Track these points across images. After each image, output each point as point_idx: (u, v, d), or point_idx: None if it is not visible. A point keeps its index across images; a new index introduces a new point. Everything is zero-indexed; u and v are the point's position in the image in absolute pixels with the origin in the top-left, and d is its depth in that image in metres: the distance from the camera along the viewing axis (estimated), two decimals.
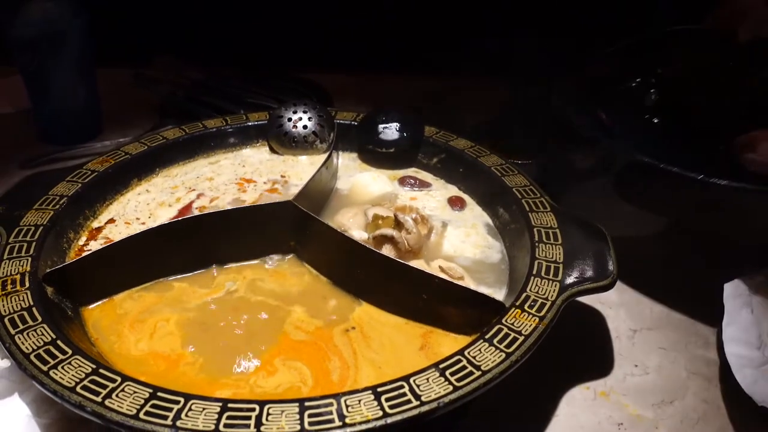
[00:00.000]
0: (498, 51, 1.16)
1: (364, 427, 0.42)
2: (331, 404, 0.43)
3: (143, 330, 0.57)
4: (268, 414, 0.43)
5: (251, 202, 0.77)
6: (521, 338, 0.50)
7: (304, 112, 0.87)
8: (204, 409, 0.43)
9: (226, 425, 0.42)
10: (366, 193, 0.78)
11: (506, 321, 0.52)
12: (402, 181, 0.82)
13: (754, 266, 0.68)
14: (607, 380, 0.62)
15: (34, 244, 0.60)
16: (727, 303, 0.65)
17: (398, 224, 0.67)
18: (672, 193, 0.74)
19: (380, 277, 0.59)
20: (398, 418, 0.43)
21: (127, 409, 0.43)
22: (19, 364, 0.47)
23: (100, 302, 0.60)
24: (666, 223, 0.86)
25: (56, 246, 0.63)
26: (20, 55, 0.96)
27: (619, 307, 0.71)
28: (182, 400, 0.44)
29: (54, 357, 0.47)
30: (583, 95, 0.86)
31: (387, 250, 0.64)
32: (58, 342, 0.49)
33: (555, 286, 0.56)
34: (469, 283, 0.62)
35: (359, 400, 0.44)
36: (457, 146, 0.81)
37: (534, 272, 0.58)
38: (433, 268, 0.63)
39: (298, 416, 0.43)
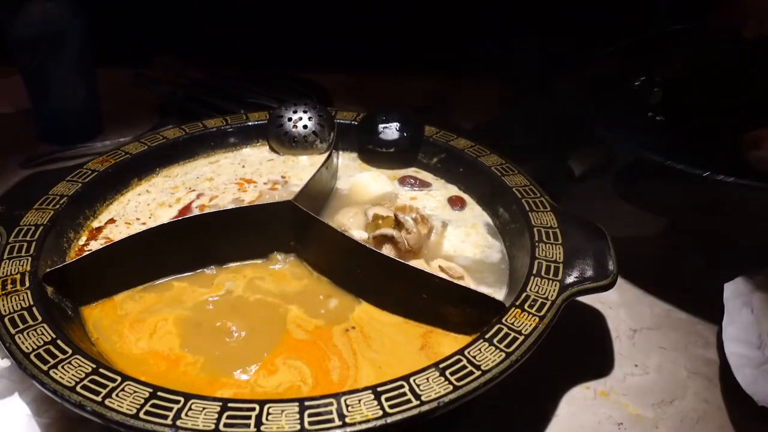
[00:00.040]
0: (498, 51, 1.16)
1: (364, 426, 0.42)
2: (331, 404, 0.43)
3: (143, 330, 0.57)
4: (268, 413, 0.43)
5: (251, 201, 0.77)
6: (521, 338, 0.50)
7: (305, 111, 0.87)
8: (204, 408, 0.43)
9: (226, 425, 0.42)
10: (366, 193, 0.78)
11: (506, 321, 0.52)
12: (402, 181, 0.82)
13: (755, 266, 0.68)
14: (607, 380, 0.62)
15: (34, 243, 0.60)
16: (727, 302, 0.65)
17: (398, 224, 0.67)
18: (677, 191, 0.74)
19: (380, 276, 0.59)
20: (398, 417, 0.43)
21: (127, 409, 0.43)
22: (19, 364, 0.47)
23: (100, 302, 0.60)
24: (666, 223, 0.86)
25: (56, 246, 0.63)
26: (20, 55, 0.96)
27: (619, 307, 0.71)
28: (182, 399, 0.44)
29: (54, 356, 0.47)
30: (586, 95, 0.86)
31: (387, 250, 0.64)
32: (58, 341, 0.49)
33: (555, 286, 0.56)
34: (469, 282, 0.62)
35: (359, 400, 0.44)
36: (457, 146, 0.81)
37: (534, 272, 0.58)
38: (433, 267, 0.63)
39: (298, 416, 0.43)
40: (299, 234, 0.66)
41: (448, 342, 0.56)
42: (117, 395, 0.44)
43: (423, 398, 0.44)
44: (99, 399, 0.43)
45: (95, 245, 0.67)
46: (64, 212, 0.66)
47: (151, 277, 0.62)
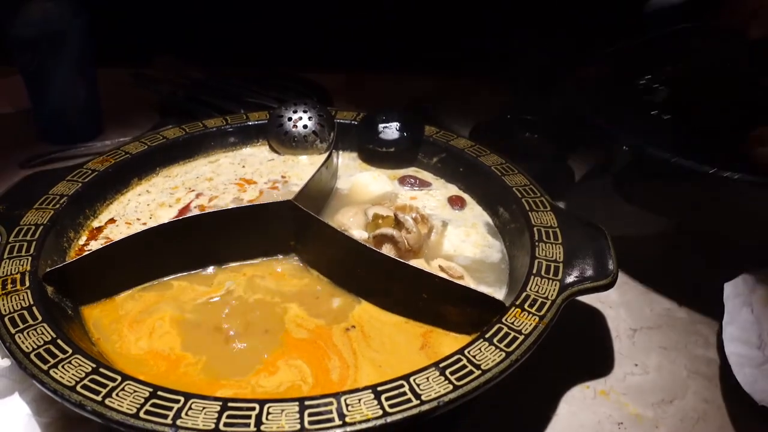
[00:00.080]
0: (498, 51, 1.16)
1: (364, 426, 0.42)
2: (331, 403, 0.43)
3: (143, 330, 0.57)
4: (268, 413, 0.43)
5: (251, 201, 0.77)
6: (521, 337, 0.50)
7: (305, 111, 0.87)
8: (204, 408, 0.43)
9: (226, 424, 0.42)
10: (366, 193, 0.78)
11: (506, 320, 0.52)
12: (402, 181, 0.82)
13: (755, 266, 0.68)
14: (607, 379, 0.62)
15: (34, 243, 0.60)
16: (727, 302, 0.65)
17: (398, 223, 0.67)
18: (683, 189, 0.74)
19: (380, 276, 0.59)
20: (398, 417, 0.43)
21: (128, 408, 0.43)
22: (20, 363, 0.47)
23: (100, 301, 0.60)
24: (666, 223, 0.86)
25: (56, 245, 0.63)
26: (20, 55, 0.96)
27: (620, 307, 0.71)
28: (182, 399, 0.44)
29: (54, 356, 0.47)
30: (590, 93, 0.86)
31: (387, 250, 0.64)
32: (58, 341, 0.49)
33: (555, 286, 0.56)
34: (469, 282, 0.62)
35: (359, 399, 0.44)
36: (457, 146, 0.81)
37: (534, 271, 0.58)
38: (433, 267, 0.63)
39: (298, 415, 0.43)
40: (299, 234, 0.66)
41: (448, 341, 0.56)
42: (117, 395, 0.44)
43: (423, 398, 0.44)
44: (99, 398, 0.43)
45: (95, 245, 0.67)
46: (64, 212, 0.66)
47: (151, 277, 0.62)
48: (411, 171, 0.84)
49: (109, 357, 0.53)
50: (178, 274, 0.64)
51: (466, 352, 0.48)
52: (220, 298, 0.61)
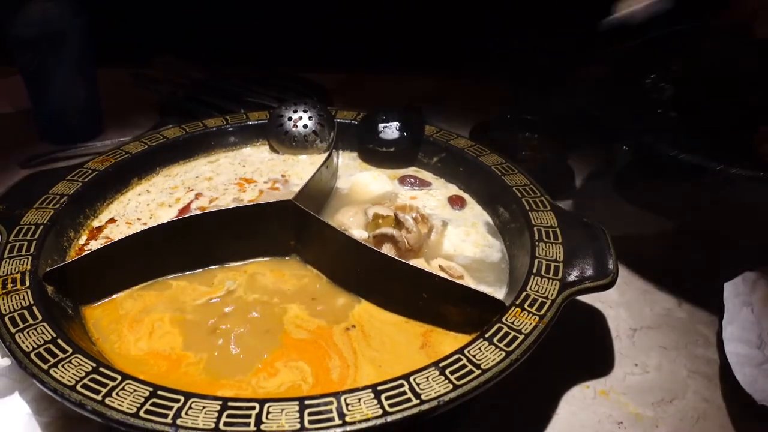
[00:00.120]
0: (498, 51, 1.16)
1: (363, 425, 0.42)
2: (331, 403, 0.43)
3: (143, 330, 0.57)
4: (268, 412, 0.43)
5: (251, 201, 0.77)
6: (521, 337, 0.50)
7: (305, 111, 0.87)
8: (204, 407, 0.43)
9: (226, 423, 0.42)
10: (366, 192, 0.78)
11: (506, 320, 0.52)
12: (402, 180, 0.82)
13: (755, 266, 0.68)
14: (607, 379, 0.62)
15: (34, 242, 0.60)
16: (727, 302, 0.65)
17: (398, 223, 0.67)
18: (689, 187, 0.74)
19: (380, 276, 0.59)
20: (398, 416, 0.43)
21: (128, 408, 0.43)
22: (20, 363, 0.47)
23: (100, 301, 0.60)
24: (666, 223, 0.86)
25: (56, 245, 0.63)
26: (20, 55, 0.96)
27: (619, 306, 0.71)
28: (182, 398, 0.44)
29: (54, 355, 0.47)
30: (597, 93, 0.87)
31: (387, 249, 0.64)
32: (59, 340, 0.49)
33: (555, 285, 0.56)
34: (469, 282, 0.62)
35: (359, 399, 0.44)
36: (457, 145, 0.81)
37: (534, 271, 0.58)
38: (433, 267, 0.63)
39: (298, 415, 0.43)
40: (299, 233, 0.66)
41: (448, 341, 0.56)
42: (117, 394, 0.44)
43: (423, 397, 0.44)
44: (99, 398, 0.43)
45: (95, 245, 0.67)
46: (64, 211, 0.66)
47: (151, 277, 0.63)
48: (411, 171, 0.84)
49: (108, 357, 0.53)
50: (178, 274, 0.64)
51: (466, 351, 0.48)
52: (220, 298, 0.61)
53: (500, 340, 0.50)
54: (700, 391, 0.61)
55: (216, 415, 0.42)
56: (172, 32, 1.30)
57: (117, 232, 0.70)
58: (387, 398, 0.44)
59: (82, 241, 0.68)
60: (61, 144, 1.00)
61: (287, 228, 0.65)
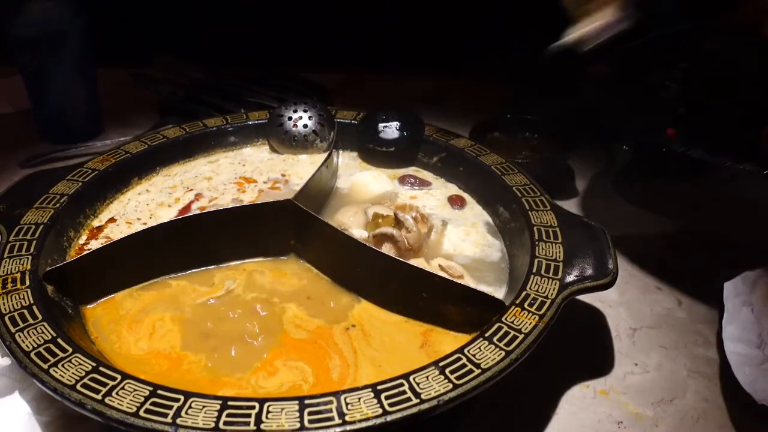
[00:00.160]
0: (498, 51, 1.16)
1: (363, 425, 0.42)
2: (330, 402, 0.43)
3: (143, 329, 0.57)
4: (267, 412, 0.43)
5: (250, 201, 0.77)
6: (521, 336, 0.50)
7: (305, 111, 0.87)
8: (204, 406, 0.43)
9: (226, 423, 0.42)
10: (366, 192, 0.78)
11: (506, 319, 0.52)
12: (402, 180, 0.82)
13: (754, 265, 0.68)
14: (607, 379, 0.62)
15: (34, 242, 0.60)
16: (727, 302, 0.65)
17: (398, 223, 0.67)
18: (684, 189, 0.74)
19: (380, 275, 0.59)
20: (398, 416, 0.43)
21: (127, 407, 0.43)
22: (20, 362, 0.47)
23: (100, 301, 0.60)
24: (666, 223, 0.86)
25: (56, 244, 0.63)
26: (20, 55, 0.96)
27: (619, 306, 0.71)
28: (182, 397, 0.44)
29: (54, 355, 0.47)
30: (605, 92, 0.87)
31: (387, 249, 0.64)
32: (59, 340, 0.49)
33: (555, 285, 0.56)
34: (468, 281, 0.62)
35: (359, 398, 0.44)
36: (457, 145, 0.81)
37: (534, 270, 0.58)
38: (433, 266, 0.63)
39: (297, 414, 0.42)
40: (299, 233, 0.66)
41: (448, 340, 0.56)
42: (117, 393, 0.44)
43: (423, 396, 0.44)
44: (99, 397, 0.43)
45: (95, 244, 0.67)
46: (64, 211, 0.66)
47: (151, 276, 0.62)
48: (411, 170, 0.84)
49: (109, 356, 0.53)
50: (178, 274, 0.64)
51: (465, 351, 0.48)
52: (220, 298, 0.61)
53: (500, 340, 0.50)
54: (700, 391, 0.61)
55: (216, 414, 0.42)
56: (172, 32, 1.30)
57: (117, 232, 0.70)
58: (387, 398, 0.44)
59: (82, 241, 0.68)
60: (61, 144, 1.00)
61: (287, 228, 0.65)
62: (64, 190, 0.68)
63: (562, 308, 0.54)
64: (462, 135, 0.84)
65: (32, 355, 0.47)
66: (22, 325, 0.50)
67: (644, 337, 0.67)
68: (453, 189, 0.80)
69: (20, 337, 0.49)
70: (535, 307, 0.53)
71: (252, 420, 0.42)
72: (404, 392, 0.44)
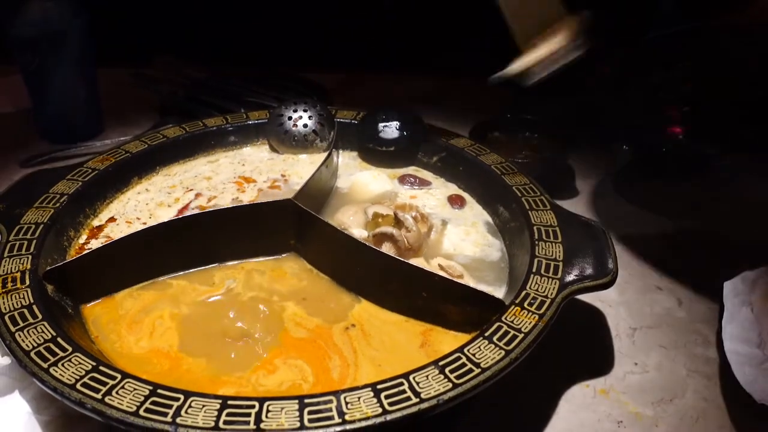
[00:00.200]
0: (498, 51, 1.16)
1: (363, 424, 0.42)
2: (330, 401, 0.43)
3: (143, 329, 0.57)
4: (267, 411, 0.43)
5: (250, 200, 0.77)
6: (521, 336, 0.50)
7: (305, 110, 0.87)
8: (204, 406, 0.43)
9: (226, 422, 0.42)
10: (366, 192, 0.78)
11: (506, 319, 0.52)
12: (402, 180, 0.82)
13: (754, 265, 0.68)
14: (606, 378, 0.62)
15: (34, 242, 0.60)
16: (727, 301, 0.65)
17: (398, 222, 0.67)
18: (684, 189, 0.74)
19: (380, 275, 0.59)
20: (398, 415, 0.43)
21: (127, 406, 0.43)
22: (20, 362, 0.47)
23: (100, 300, 0.60)
24: (666, 223, 0.86)
25: (56, 244, 0.63)
26: (21, 54, 0.96)
27: (619, 306, 0.71)
28: (182, 397, 0.44)
29: (54, 354, 0.47)
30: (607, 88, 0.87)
31: (387, 248, 0.64)
32: (59, 339, 0.49)
33: (555, 284, 0.56)
34: (468, 281, 0.62)
35: (359, 398, 0.44)
36: (457, 145, 0.81)
37: (534, 270, 0.58)
38: (432, 266, 0.63)
39: (297, 413, 0.43)
40: (299, 232, 0.66)
41: (448, 340, 0.56)
42: (117, 393, 0.44)
43: (423, 396, 0.44)
44: (99, 396, 0.43)
45: (95, 244, 0.67)
46: (64, 211, 0.66)
47: (151, 276, 0.62)
48: (411, 170, 0.84)
49: (109, 356, 0.53)
50: (178, 273, 0.64)
51: (465, 350, 0.48)
52: (220, 297, 0.61)
53: (500, 339, 0.50)
54: (699, 391, 0.61)
55: (216, 413, 0.42)
56: (172, 32, 1.30)
57: (117, 231, 0.70)
58: (386, 397, 0.44)
59: (82, 240, 0.68)
60: (61, 143, 1.00)
61: (287, 227, 0.65)
62: (64, 190, 0.68)
63: (561, 308, 0.54)
64: (462, 135, 0.84)
65: (32, 354, 0.47)
66: (22, 325, 0.50)
67: (644, 337, 0.67)
68: (453, 188, 0.80)
69: (20, 336, 0.49)
70: (534, 306, 0.53)
71: (252, 419, 0.42)
72: (404, 391, 0.44)
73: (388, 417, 0.43)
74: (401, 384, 0.45)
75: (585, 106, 1.05)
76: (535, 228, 0.64)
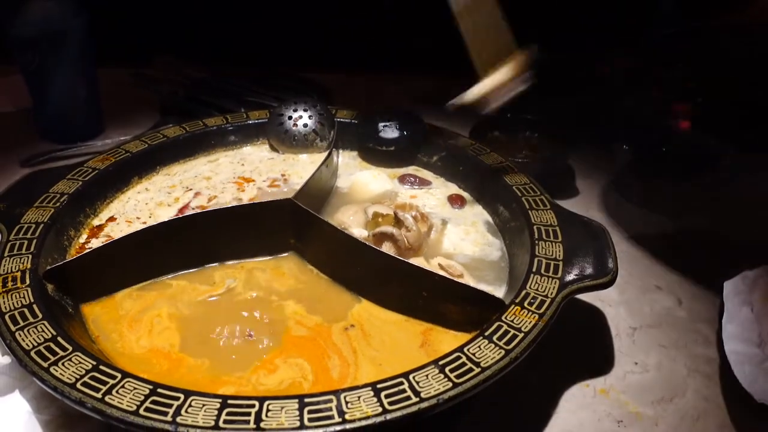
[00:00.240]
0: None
1: (363, 423, 0.42)
2: (330, 400, 0.43)
3: (143, 328, 0.57)
4: (267, 410, 0.43)
5: (250, 200, 0.77)
6: (521, 335, 0.50)
7: (305, 110, 0.87)
8: (204, 405, 0.43)
9: (226, 421, 0.42)
10: (366, 191, 0.78)
11: (506, 318, 0.52)
12: (402, 179, 0.82)
13: (754, 265, 0.68)
14: (607, 378, 0.62)
15: (34, 241, 0.60)
16: (727, 301, 0.65)
17: (398, 222, 0.67)
18: (684, 189, 0.74)
19: (380, 274, 0.59)
20: (398, 414, 0.43)
21: (127, 406, 0.43)
22: (20, 361, 0.47)
23: (100, 299, 0.60)
24: (666, 223, 0.86)
25: (57, 243, 0.63)
26: (21, 54, 0.96)
27: (619, 305, 0.71)
28: (182, 396, 0.44)
29: (54, 353, 0.47)
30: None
31: (387, 248, 0.64)
32: (59, 339, 0.49)
33: (555, 284, 0.56)
34: (468, 280, 0.62)
35: (359, 397, 0.44)
36: (457, 145, 0.81)
37: (534, 269, 0.58)
38: (432, 265, 0.63)
39: (297, 412, 0.43)
40: (299, 232, 0.66)
41: (448, 339, 0.56)
42: (117, 392, 0.44)
43: (422, 395, 0.44)
44: (99, 396, 0.43)
45: (96, 243, 0.67)
46: (64, 210, 0.66)
47: (151, 275, 0.63)
48: (411, 170, 0.84)
49: (110, 355, 0.53)
50: (178, 273, 0.64)
51: (465, 349, 0.48)
52: (220, 297, 0.61)
53: (500, 339, 0.50)
54: (700, 390, 0.61)
55: (216, 412, 0.42)
56: (172, 32, 1.30)
57: (117, 231, 0.70)
58: (386, 396, 0.44)
59: (82, 240, 0.68)
60: (62, 143, 1.00)
61: (287, 227, 0.66)
62: (65, 189, 0.68)
63: (561, 307, 0.54)
64: (462, 135, 0.84)
65: (32, 353, 0.47)
66: (22, 324, 0.50)
67: (644, 336, 0.67)
68: (453, 188, 0.80)
69: (20, 335, 0.49)
70: (534, 306, 0.53)
71: (252, 418, 0.42)
72: (404, 391, 0.44)
73: (388, 416, 0.43)
74: (401, 383, 0.45)
75: (585, 106, 1.05)
76: (535, 227, 0.64)
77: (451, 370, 0.46)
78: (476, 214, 0.75)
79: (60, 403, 0.51)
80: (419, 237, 0.67)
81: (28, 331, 0.49)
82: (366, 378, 0.52)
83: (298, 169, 0.84)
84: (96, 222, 0.71)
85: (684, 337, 0.67)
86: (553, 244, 0.61)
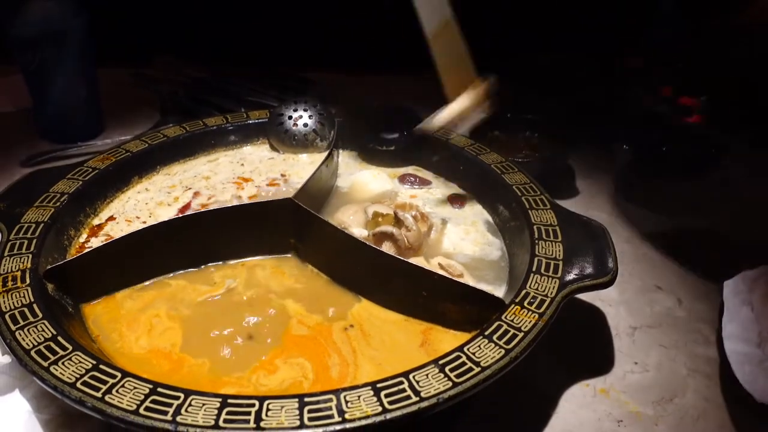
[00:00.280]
0: (498, 51, 1.16)
1: (363, 422, 0.42)
2: (330, 400, 0.43)
3: (143, 328, 0.57)
4: (267, 409, 0.43)
5: (249, 199, 0.77)
6: (521, 335, 0.50)
7: (305, 110, 0.87)
8: (204, 404, 0.43)
9: (226, 420, 0.42)
10: (366, 191, 0.78)
11: (506, 318, 0.52)
12: (402, 179, 0.82)
13: (754, 264, 0.68)
14: (606, 377, 0.62)
15: (34, 241, 0.60)
16: (727, 300, 0.65)
17: (398, 221, 0.67)
18: (684, 189, 0.74)
19: (380, 274, 0.59)
20: (398, 413, 0.43)
21: (128, 405, 0.43)
22: (20, 360, 0.47)
23: (100, 299, 0.60)
24: (666, 223, 0.86)
25: (57, 243, 0.63)
26: (21, 54, 0.97)
27: (619, 305, 0.71)
28: (182, 395, 0.44)
29: (54, 353, 0.47)
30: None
31: (387, 247, 0.64)
32: (59, 338, 0.49)
33: (555, 283, 0.56)
34: (468, 280, 0.62)
35: (359, 396, 0.44)
36: (457, 144, 0.81)
37: (534, 269, 0.58)
38: (432, 265, 0.63)
39: (297, 412, 0.43)
40: (299, 231, 0.66)
41: (447, 339, 0.56)
42: (117, 391, 0.44)
43: (422, 394, 0.44)
44: (99, 395, 0.43)
45: (96, 242, 0.67)
46: (64, 210, 0.66)
47: (151, 275, 0.63)
48: (411, 169, 0.84)
49: (110, 355, 0.53)
50: (178, 272, 0.64)
51: (465, 349, 0.48)
52: (220, 296, 0.61)
53: (500, 338, 0.50)
54: (700, 390, 0.61)
55: (216, 412, 0.42)
56: (172, 32, 1.30)
57: (117, 230, 0.70)
58: (386, 395, 0.44)
59: (82, 239, 0.68)
60: (62, 143, 1.00)
61: (287, 226, 0.65)
62: (65, 189, 0.68)
63: (561, 307, 0.54)
64: (462, 134, 0.84)
65: (32, 353, 0.47)
66: (22, 323, 0.50)
67: (644, 336, 0.67)
68: (453, 188, 0.80)
69: (20, 335, 0.49)
70: (534, 305, 0.53)
71: (252, 417, 0.42)
72: (404, 390, 0.44)
73: (388, 416, 0.43)
74: (401, 383, 0.45)
75: (585, 106, 1.05)
76: (535, 227, 0.64)
77: (451, 370, 0.46)
78: (476, 213, 0.75)
79: (60, 402, 0.51)
80: (419, 237, 0.67)
81: (28, 330, 0.49)
82: (366, 377, 0.52)
83: (298, 169, 0.84)
84: (96, 221, 0.71)
85: (684, 337, 0.67)
86: (553, 243, 0.61)
